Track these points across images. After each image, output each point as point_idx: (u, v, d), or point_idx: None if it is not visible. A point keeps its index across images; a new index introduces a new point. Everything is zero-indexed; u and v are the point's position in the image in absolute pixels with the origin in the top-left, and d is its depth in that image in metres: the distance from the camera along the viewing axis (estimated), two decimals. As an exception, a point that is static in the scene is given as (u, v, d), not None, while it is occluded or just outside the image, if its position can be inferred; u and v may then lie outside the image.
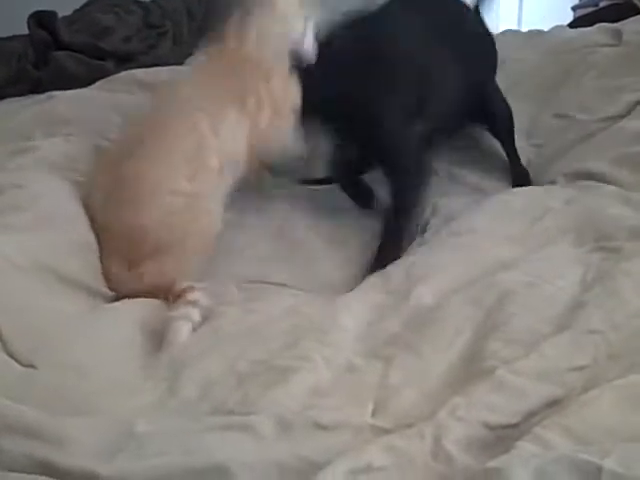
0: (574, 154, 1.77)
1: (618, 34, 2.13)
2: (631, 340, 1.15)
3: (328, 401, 1.11)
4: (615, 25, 2.22)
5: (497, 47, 1.91)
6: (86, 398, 1.10)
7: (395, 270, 1.42)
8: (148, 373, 1.17)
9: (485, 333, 1.20)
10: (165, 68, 2.19)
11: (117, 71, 2.13)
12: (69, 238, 1.39)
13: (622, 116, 1.82)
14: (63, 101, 1.91)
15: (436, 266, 1.41)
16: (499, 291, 1.27)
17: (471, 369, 1.15)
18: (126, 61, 2.16)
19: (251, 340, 1.23)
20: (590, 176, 1.65)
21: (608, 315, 1.19)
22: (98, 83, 2.05)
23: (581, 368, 1.11)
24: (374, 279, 1.41)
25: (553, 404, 1.06)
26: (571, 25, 2.54)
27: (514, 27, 3.86)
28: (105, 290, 1.38)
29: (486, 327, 1.21)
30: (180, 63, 2.29)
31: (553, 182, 1.71)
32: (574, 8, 2.96)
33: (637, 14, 2.46)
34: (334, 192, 1.72)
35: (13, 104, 2.00)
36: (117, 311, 1.31)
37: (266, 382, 1.13)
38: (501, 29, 3.10)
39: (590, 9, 2.79)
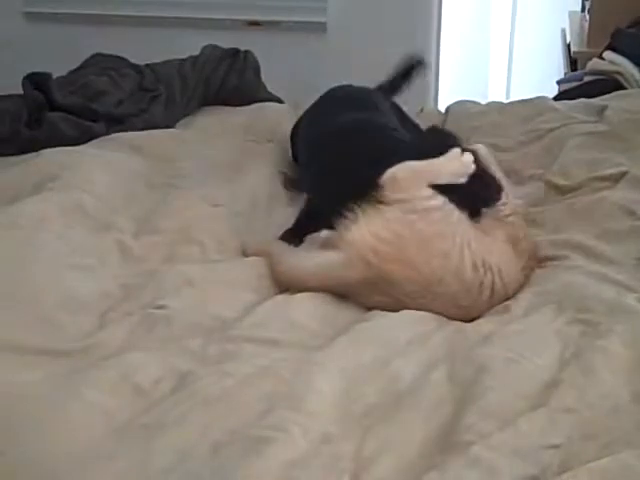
0: (556, 223, 1.79)
1: (600, 110, 2.17)
2: (605, 420, 1.17)
3: (304, 474, 1.11)
4: (597, 100, 2.27)
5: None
6: (56, 467, 1.10)
7: (373, 336, 1.42)
8: (122, 439, 1.16)
9: (462, 407, 1.21)
10: (155, 131, 2.23)
11: (108, 133, 2.16)
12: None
13: (603, 188, 1.85)
14: (51, 157, 1.94)
15: (415, 338, 1.41)
16: (477, 365, 1.28)
17: (447, 442, 1.16)
18: (118, 123, 2.19)
19: (226, 407, 1.22)
20: (574, 248, 1.67)
21: (583, 394, 1.20)
22: (88, 143, 2.08)
23: (556, 446, 1.13)
24: (354, 341, 1.40)
25: (528, 483, 1.07)
26: (555, 98, 2.59)
27: (502, 98, 3.97)
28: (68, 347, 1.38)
29: (463, 401, 1.22)
30: (171, 126, 2.33)
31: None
32: (559, 82, 3.02)
33: (619, 89, 2.53)
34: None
35: (3, 162, 2.03)
36: (88, 374, 1.30)
37: (241, 453, 1.12)
38: (489, 99, 3.19)
39: (574, 83, 2.85)
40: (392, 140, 1.87)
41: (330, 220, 1.62)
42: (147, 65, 2.45)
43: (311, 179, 1.94)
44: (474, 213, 1.64)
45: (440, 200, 1.58)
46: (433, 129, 2.01)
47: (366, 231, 1.55)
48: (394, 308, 1.50)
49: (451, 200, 1.60)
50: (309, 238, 1.72)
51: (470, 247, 1.54)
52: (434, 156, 1.68)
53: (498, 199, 1.69)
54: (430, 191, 1.59)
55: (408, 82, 2.32)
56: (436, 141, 1.84)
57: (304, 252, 1.65)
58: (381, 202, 1.59)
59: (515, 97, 3.03)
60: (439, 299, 1.51)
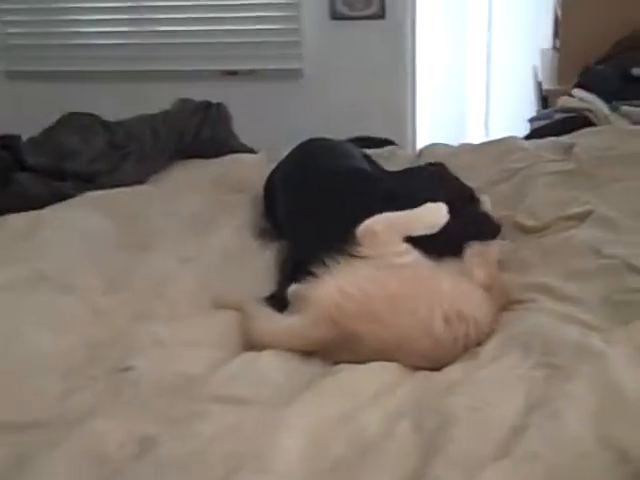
0: (524, 264, 1.79)
1: (568, 148, 2.19)
2: (571, 465, 1.16)
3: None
4: (566, 138, 2.29)
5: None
6: None
7: (338, 389, 1.41)
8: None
9: (428, 457, 1.20)
10: (125, 189, 2.24)
11: (78, 192, 2.17)
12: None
13: (570, 227, 1.86)
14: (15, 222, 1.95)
15: (381, 389, 1.41)
16: (443, 415, 1.27)
17: (413, 495, 1.15)
18: (88, 182, 2.20)
19: (190, 470, 1.21)
20: (541, 290, 1.67)
21: (548, 439, 1.19)
22: (56, 205, 2.09)
23: (522, 495, 1.12)
24: (319, 395, 1.39)
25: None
26: (527, 137, 2.61)
27: (482, 138, 4.00)
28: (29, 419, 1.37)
29: (429, 451, 1.21)
30: (143, 181, 2.34)
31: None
32: (530, 120, 3.05)
33: (590, 126, 2.56)
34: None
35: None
36: (50, 451, 1.28)
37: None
38: (468, 139, 3.22)
39: (546, 121, 2.88)
40: (381, 189, 1.88)
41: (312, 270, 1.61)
42: (117, 122, 2.47)
43: (295, 229, 1.94)
44: (459, 252, 1.67)
45: (413, 256, 1.59)
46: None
47: (333, 288, 1.54)
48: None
49: (438, 241, 1.62)
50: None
51: (442, 303, 1.52)
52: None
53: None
54: (404, 246, 1.60)
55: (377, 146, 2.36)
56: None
57: (273, 318, 1.63)
58: (356, 255, 1.59)
59: (494, 137, 3.07)
60: (410, 356, 1.50)
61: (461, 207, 1.78)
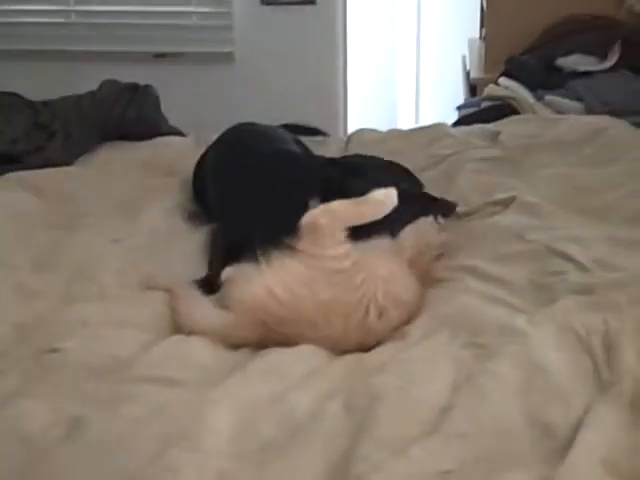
0: (452, 248, 1.82)
1: (494, 135, 2.23)
2: (496, 441, 1.19)
3: (197, 514, 1.10)
4: (492, 126, 2.33)
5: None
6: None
7: (268, 370, 1.42)
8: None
9: (357, 438, 1.21)
10: (52, 169, 2.20)
11: (3, 172, 2.12)
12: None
13: (496, 212, 1.90)
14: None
15: (312, 370, 1.41)
16: (372, 395, 1.28)
17: (342, 474, 1.16)
18: (13, 162, 2.15)
19: (119, 451, 1.20)
20: (469, 271, 1.70)
21: (474, 417, 1.22)
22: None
23: (448, 472, 1.14)
24: (249, 376, 1.40)
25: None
26: (455, 124, 2.65)
27: (412, 122, 4.04)
28: None
29: (358, 431, 1.22)
30: (70, 163, 2.30)
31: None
32: (458, 108, 3.10)
33: (515, 114, 2.61)
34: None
35: None
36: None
37: (133, 499, 1.11)
38: (399, 127, 3.25)
39: (473, 109, 2.92)
40: (318, 172, 1.89)
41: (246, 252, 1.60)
42: (43, 102, 2.42)
43: (228, 212, 1.93)
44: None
45: (349, 261, 1.54)
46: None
47: (262, 289, 1.50)
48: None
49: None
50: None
51: (377, 299, 1.52)
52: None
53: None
54: (344, 248, 1.54)
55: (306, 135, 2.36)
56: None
57: (203, 304, 1.61)
58: (291, 248, 1.56)
59: (425, 122, 3.10)
60: (341, 346, 1.50)
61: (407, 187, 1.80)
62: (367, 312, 1.51)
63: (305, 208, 1.63)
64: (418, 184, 1.92)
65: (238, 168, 1.97)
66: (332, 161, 2.00)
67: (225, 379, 1.38)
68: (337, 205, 1.58)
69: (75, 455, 1.20)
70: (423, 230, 1.74)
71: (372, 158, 1.97)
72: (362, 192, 1.62)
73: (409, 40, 4.22)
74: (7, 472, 1.18)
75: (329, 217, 1.55)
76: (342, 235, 1.55)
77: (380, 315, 1.52)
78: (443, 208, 1.80)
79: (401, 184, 1.78)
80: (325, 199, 1.65)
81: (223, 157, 2.06)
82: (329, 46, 3.83)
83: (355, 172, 1.86)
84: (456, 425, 1.21)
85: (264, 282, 1.51)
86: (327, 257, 1.53)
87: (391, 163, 1.97)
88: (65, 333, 1.52)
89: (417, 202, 1.83)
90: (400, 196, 1.60)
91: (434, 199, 1.86)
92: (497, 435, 1.19)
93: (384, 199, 1.60)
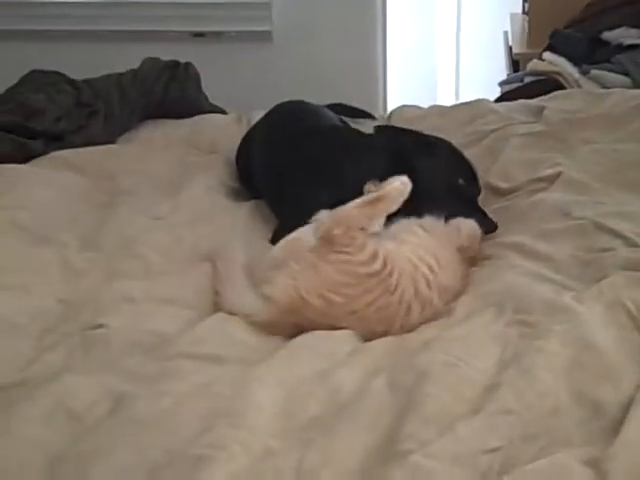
0: (500, 225, 1.80)
1: (539, 111, 2.19)
2: (544, 420, 1.17)
3: (244, 491, 1.10)
4: (536, 101, 2.29)
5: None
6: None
7: (313, 348, 1.41)
8: (57, 470, 1.14)
9: (403, 415, 1.20)
10: (95, 148, 2.21)
11: (46, 151, 2.13)
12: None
13: (540, 189, 1.87)
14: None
15: (356, 348, 1.41)
16: (418, 372, 1.28)
17: (388, 452, 1.15)
18: (56, 141, 2.16)
19: (164, 427, 1.21)
20: (513, 248, 1.68)
21: (521, 395, 1.20)
22: (27, 164, 2.06)
23: (495, 450, 1.13)
24: (294, 354, 1.39)
25: (467, 489, 1.07)
26: (497, 100, 2.61)
27: (453, 101, 3.99)
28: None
29: (404, 409, 1.21)
30: (112, 141, 2.31)
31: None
32: (501, 84, 3.05)
33: (560, 89, 2.56)
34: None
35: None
36: (20, 407, 1.27)
37: (180, 475, 1.11)
38: (439, 102, 3.21)
39: (516, 85, 2.88)
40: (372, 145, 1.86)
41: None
42: (85, 80, 2.42)
43: (276, 191, 1.92)
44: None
45: (378, 263, 1.49)
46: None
47: (294, 292, 1.48)
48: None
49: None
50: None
51: (421, 293, 1.50)
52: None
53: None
54: (370, 250, 1.50)
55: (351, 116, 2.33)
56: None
57: (242, 286, 1.58)
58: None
59: (465, 98, 3.06)
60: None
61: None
62: (409, 310, 1.49)
63: (360, 191, 1.62)
64: (477, 187, 1.86)
65: (290, 144, 1.94)
66: (405, 131, 1.93)
67: (270, 357, 1.38)
68: (349, 210, 1.53)
69: (120, 431, 1.21)
70: (473, 226, 1.71)
71: (442, 140, 1.91)
72: (429, 172, 1.65)
73: (449, 16, 4.16)
74: (54, 446, 1.18)
75: (343, 226, 1.51)
76: (363, 237, 1.51)
77: (423, 308, 1.50)
78: (486, 223, 1.75)
79: (462, 179, 1.80)
80: (391, 170, 1.64)
81: (274, 133, 2.04)
82: (368, 23, 3.79)
83: (428, 149, 1.82)
84: (503, 403, 1.19)
85: (297, 286, 1.48)
86: (355, 262, 1.49)
87: (460, 153, 1.90)
88: (110, 310, 1.53)
89: (468, 204, 1.79)
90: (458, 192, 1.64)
91: (483, 212, 1.79)
92: (545, 413, 1.18)
93: (397, 194, 1.57)
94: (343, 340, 1.44)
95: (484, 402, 1.20)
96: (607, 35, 2.84)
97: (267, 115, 2.13)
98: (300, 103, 2.15)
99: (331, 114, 2.13)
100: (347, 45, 3.78)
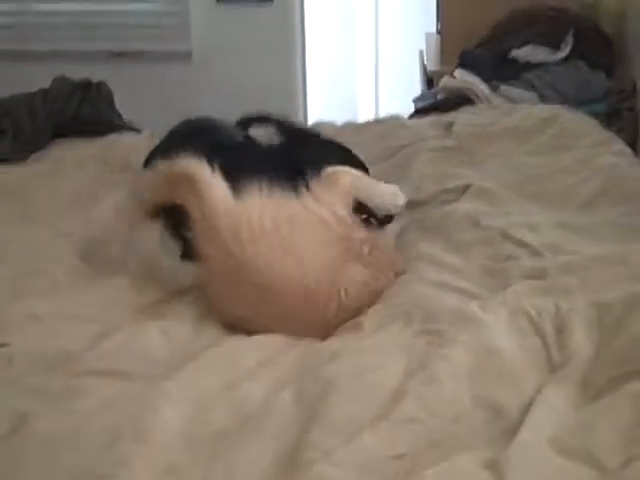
0: (408, 237, 1.83)
1: (449, 126, 2.24)
2: (447, 426, 1.18)
3: (146, 508, 1.08)
4: (447, 117, 2.34)
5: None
6: None
7: (221, 360, 1.41)
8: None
9: (309, 425, 1.20)
10: (4, 166, 2.17)
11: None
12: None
13: (451, 200, 1.90)
14: None
15: (265, 359, 1.41)
16: (324, 383, 1.28)
17: (293, 462, 1.14)
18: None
19: (67, 445, 1.18)
20: (424, 260, 1.70)
21: (426, 403, 1.21)
22: None
23: (400, 456, 1.13)
24: (202, 367, 1.38)
25: (373, 496, 1.07)
26: (411, 116, 2.65)
27: (372, 116, 4.04)
28: None
29: (310, 419, 1.21)
30: (22, 160, 2.27)
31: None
32: (414, 100, 3.11)
33: (470, 104, 2.62)
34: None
35: None
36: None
37: (82, 493, 1.09)
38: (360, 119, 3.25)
39: (429, 101, 2.93)
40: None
41: None
42: (-6, 99, 2.39)
43: None
44: None
45: (358, 233, 1.57)
46: None
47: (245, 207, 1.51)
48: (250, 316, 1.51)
49: None
50: None
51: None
52: None
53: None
54: (352, 219, 1.58)
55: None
56: None
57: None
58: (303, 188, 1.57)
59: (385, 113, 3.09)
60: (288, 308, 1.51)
61: None
62: (347, 292, 1.52)
63: None
64: (364, 166, 1.91)
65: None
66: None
67: (177, 371, 1.36)
68: (360, 174, 1.64)
69: (22, 450, 1.18)
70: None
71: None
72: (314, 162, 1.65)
73: (367, 35, 4.23)
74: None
75: (351, 179, 1.59)
76: (351, 203, 1.58)
77: (331, 282, 1.52)
78: None
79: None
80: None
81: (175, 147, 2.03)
82: (287, 43, 3.83)
83: (305, 141, 1.86)
84: (407, 410, 1.20)
85: (252, 203, 1.52)
86: (333, 212, 1.54)
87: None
88: (15, 328, 1.50)
89: None
90: None
91: None
92: (449, 419, 1.19)
93: (395, 194, 1.66)
94: (252, 350, 1.43)
95: (389, 410, 1.20)
96: (516, 53, 2.92)
97: (170, 131, 2.13)
98: (205, 119, 2.15)
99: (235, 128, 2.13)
100: (266, 64, 3.81)
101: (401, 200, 1.70)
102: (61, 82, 2.51)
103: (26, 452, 1.17)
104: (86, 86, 2.50)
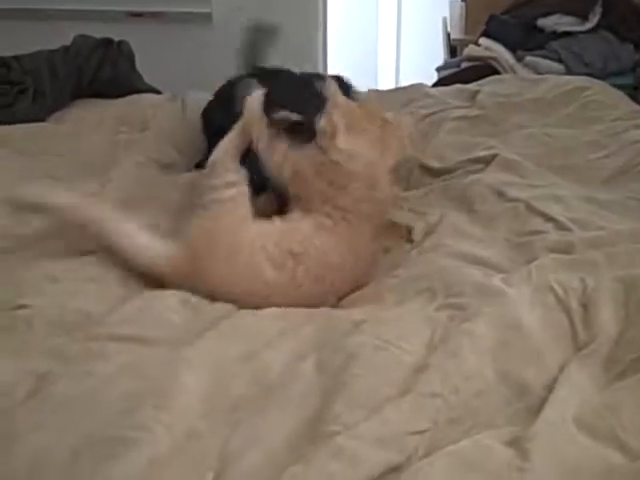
0: (430, 206, 1.80)
1: (473, 95, 2.20)
2: (469, 402, 1.17)
3: (165, 473, 1.08)
4: (471, 86, 2.30)
5: None
6: None
7: (242, 329, 1.40)
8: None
9: (331, 397, 1.19)
10: (25, 125, 2.16)
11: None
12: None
13: (476, 170, 1.87)
14: None
15: (285, 329, 1.39)
16: (346, 354, 1.27)
17: (315, 433, 1.14)
18: (-18, 119, 2.11)
19: (86, 408, 1.18)
20: (447, 229, 1.68)
21: (448, 378, 1.20)
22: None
23: (421, 432, 1.12)
24: (222, 335, 1.37)
25: (392, 470, 1.06)
26: (434, 85, 2.62)
27: (392, 84, 4.01)
28: None
29: (332, 390, 1.20)
30: (42, 120, 2.26)
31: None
32: (438, 69, 3.07)
33: (496, 74, 2.58)
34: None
35: None
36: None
37: (100, 457, 1.08)
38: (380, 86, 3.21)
39: (453, 70, 2.89)
40: None
41: None
42: (15, 57, 2.36)
43: None
44: None
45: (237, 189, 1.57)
46: None
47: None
48: None
49: None
50: None
51: (267, 248, 1.53)
52: None
53: None
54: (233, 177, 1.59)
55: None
56: None
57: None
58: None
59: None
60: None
61: None
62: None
63: None
64: None
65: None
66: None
67: (198, 338, 1.35)
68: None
69: (40, 412, 1.17)
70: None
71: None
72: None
73: (390, 1, 4.17)
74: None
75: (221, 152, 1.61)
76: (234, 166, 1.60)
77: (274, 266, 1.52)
78: None
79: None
80: None
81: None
82: (309, 8, 3.78)
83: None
84: (430, 385, 1.19)
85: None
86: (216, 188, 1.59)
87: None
88: (33, 290, 1.48)
89: None
90: None
91: None
92: (470, 395, 1.18)
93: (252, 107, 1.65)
94: (272, 321, 1.42)
95: (411, 385, 1.19)
96: (542, 22, 2.87)
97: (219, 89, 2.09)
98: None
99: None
100: (287, 28, 3.75)
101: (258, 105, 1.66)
102: (82, 40, 2.47)
103: (45, 413, 1.17)
104: (107, 44, 2.47)
